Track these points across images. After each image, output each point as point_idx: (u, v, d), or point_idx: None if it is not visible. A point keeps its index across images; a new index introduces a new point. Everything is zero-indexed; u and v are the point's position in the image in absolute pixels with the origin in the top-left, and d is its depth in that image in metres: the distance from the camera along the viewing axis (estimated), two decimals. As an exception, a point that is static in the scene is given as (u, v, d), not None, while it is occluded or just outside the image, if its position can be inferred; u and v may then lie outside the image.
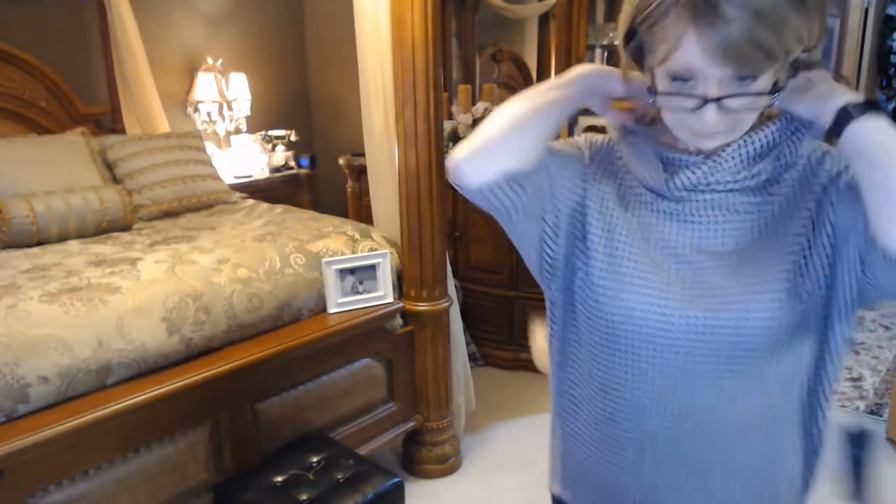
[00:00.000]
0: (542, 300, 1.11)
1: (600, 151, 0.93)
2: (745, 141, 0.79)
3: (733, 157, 0.80)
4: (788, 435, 0.88)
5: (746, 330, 0.78)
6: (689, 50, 0.70)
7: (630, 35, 0.79)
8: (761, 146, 0.80)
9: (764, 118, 0.82)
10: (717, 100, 0.71)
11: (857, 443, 0.99)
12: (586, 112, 0.94)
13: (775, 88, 0.74)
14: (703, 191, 0.82)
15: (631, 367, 0.85)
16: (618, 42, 0.83)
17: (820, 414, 0.88)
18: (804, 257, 0.79)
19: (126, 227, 2.56)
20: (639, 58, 0.80)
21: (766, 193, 0.82)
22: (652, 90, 0.77)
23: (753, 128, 0.80)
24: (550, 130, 0.86)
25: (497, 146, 0.84)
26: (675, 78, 0.73)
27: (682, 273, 0.82)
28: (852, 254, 0.77)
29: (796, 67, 0.78)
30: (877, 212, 0.70)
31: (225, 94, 4.03)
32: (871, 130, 0.70)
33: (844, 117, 0.71)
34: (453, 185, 0.89)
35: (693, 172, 0.81)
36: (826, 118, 0.73)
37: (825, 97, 0.74)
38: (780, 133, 0.81)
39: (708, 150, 0.80)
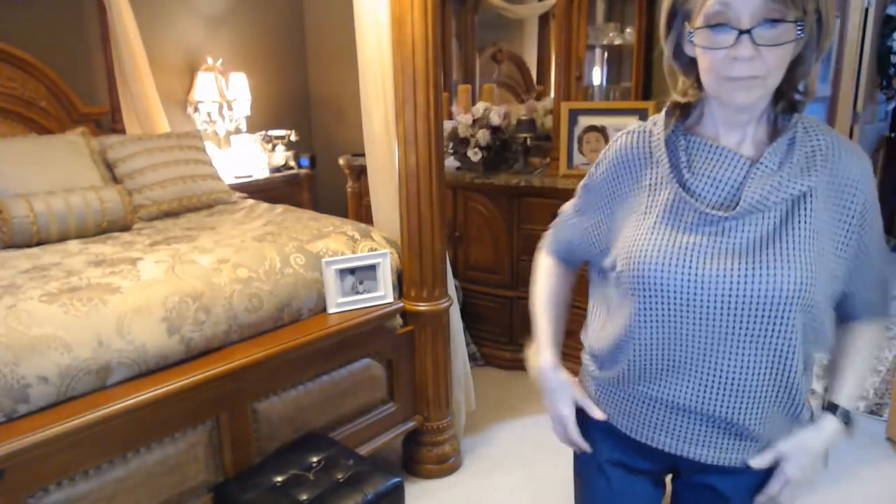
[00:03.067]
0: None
1: (622, 156, 1.05)
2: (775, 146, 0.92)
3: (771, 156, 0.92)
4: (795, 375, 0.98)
5: (777, 296, 0.88)
6: None
7: (671, 17, 0.93)
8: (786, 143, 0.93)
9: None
10: (749, 31, 0.83)
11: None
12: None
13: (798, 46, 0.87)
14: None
15: (663, 330, 0.96)
16: (661, 36, 0.97)
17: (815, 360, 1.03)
18: (833, 242, 0.93)
19: (126, 227, 2.56)
20: (678, 50, 0.95)
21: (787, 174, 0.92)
22: (690, 38, 0.89)
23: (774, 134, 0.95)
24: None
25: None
26: (713, 25, 0.85)
27: (716, 245, 0.92)
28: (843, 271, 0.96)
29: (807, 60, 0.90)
30: None
31: (225, 94, 4.03)
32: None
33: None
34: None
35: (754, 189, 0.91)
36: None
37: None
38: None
39: (741, 104, 0.89)
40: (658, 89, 3.08)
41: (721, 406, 0.96)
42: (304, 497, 1.72)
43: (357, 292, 2.19)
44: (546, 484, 2.32)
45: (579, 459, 1.20)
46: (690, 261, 0.92)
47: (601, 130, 3.00)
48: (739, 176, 0.92)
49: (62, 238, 2.40)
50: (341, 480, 1.78)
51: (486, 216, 3.18)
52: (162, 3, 3.85)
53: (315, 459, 1.88)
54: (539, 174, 3.15)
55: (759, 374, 0.94)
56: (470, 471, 2.44)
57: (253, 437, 1.90)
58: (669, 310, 0.94)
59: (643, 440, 1.07)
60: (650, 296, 0.95)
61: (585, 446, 1.14)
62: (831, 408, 1.02)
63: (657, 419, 1.04)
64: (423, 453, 2.39)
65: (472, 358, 3.13)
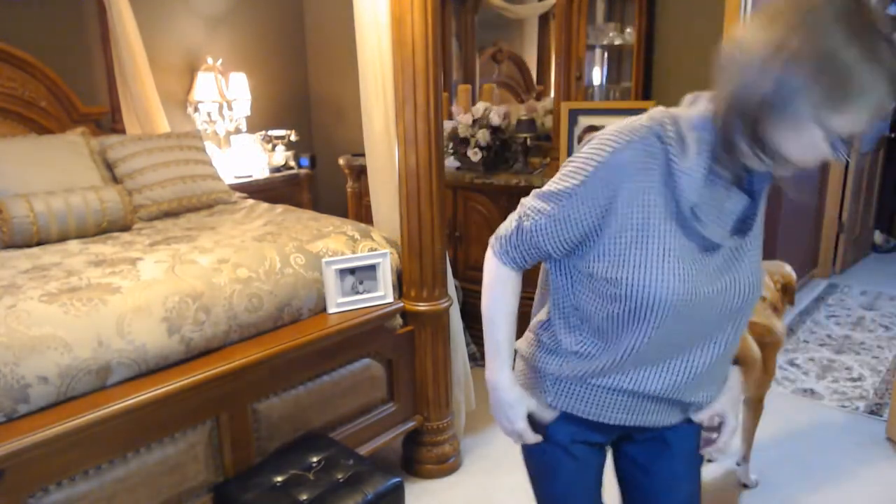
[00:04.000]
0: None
1: (627, 170, 0.97)
2: None
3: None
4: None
5: (749, 300, 1.03)
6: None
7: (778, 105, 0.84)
8: None
9: None
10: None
11: None
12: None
13: None
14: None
15: (654, 339, 1.01)
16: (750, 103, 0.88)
17: None
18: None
19: (126, 227, 2.57)
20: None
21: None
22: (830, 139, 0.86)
23: None
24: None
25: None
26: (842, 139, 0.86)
27: (710, 265, 1.00)
28: None
29: None
30: None
31: (225, 94, 4.03)
32: None
33: None
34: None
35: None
36: None
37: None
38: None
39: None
40: (658, 89, 3.08)
41: (684, 392, 1.09)
42: (304, 497, 1.72)
43: (357, 292, 2.19)
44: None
45: (540, 447, 1.21)
46: (695, 286, 0.98)
47: (600, 129, 3.00)
48: (738, 206, 1.00)
49: (62, 238, 2.40)
50: (341, 480, 1.79)
51: (486, 216, 3.18)
52: (162, 3, 3.85)
53: (315, 459, 1.88)
54: (539, 174, 3.15)
55: (718, 361, 1.08)
56: (470, 471, 2.44)
57: (253, 437, 1.90)
58: (666, 325, 1.00)
59: (602, 420, 1.14)
60: (653, 317, 0.99)
61: (539, 438, 1.19)
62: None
63: (619, 403, 1.11)
64: (423, 453, 2.39)
65: (472, 358, 3.13)
